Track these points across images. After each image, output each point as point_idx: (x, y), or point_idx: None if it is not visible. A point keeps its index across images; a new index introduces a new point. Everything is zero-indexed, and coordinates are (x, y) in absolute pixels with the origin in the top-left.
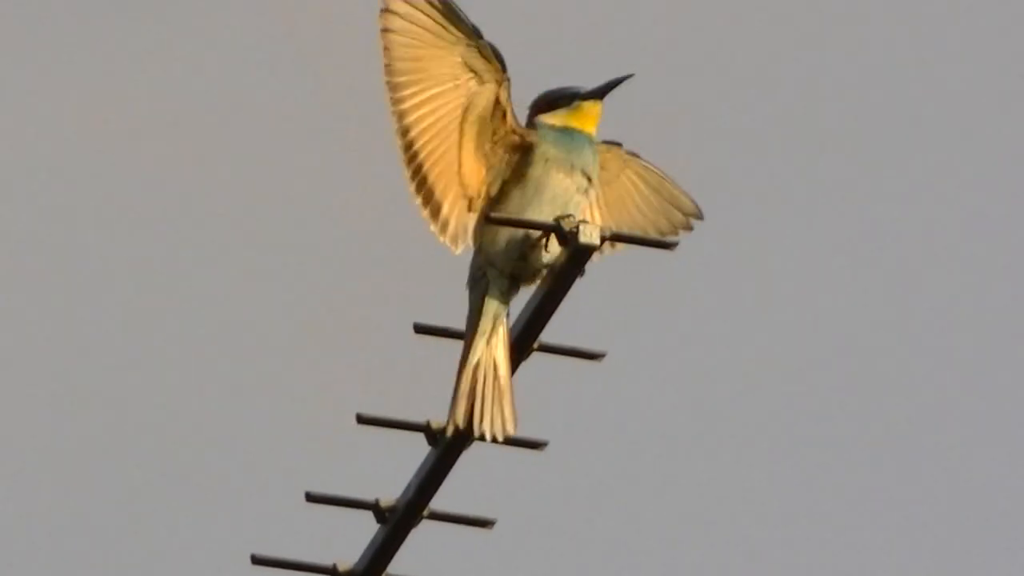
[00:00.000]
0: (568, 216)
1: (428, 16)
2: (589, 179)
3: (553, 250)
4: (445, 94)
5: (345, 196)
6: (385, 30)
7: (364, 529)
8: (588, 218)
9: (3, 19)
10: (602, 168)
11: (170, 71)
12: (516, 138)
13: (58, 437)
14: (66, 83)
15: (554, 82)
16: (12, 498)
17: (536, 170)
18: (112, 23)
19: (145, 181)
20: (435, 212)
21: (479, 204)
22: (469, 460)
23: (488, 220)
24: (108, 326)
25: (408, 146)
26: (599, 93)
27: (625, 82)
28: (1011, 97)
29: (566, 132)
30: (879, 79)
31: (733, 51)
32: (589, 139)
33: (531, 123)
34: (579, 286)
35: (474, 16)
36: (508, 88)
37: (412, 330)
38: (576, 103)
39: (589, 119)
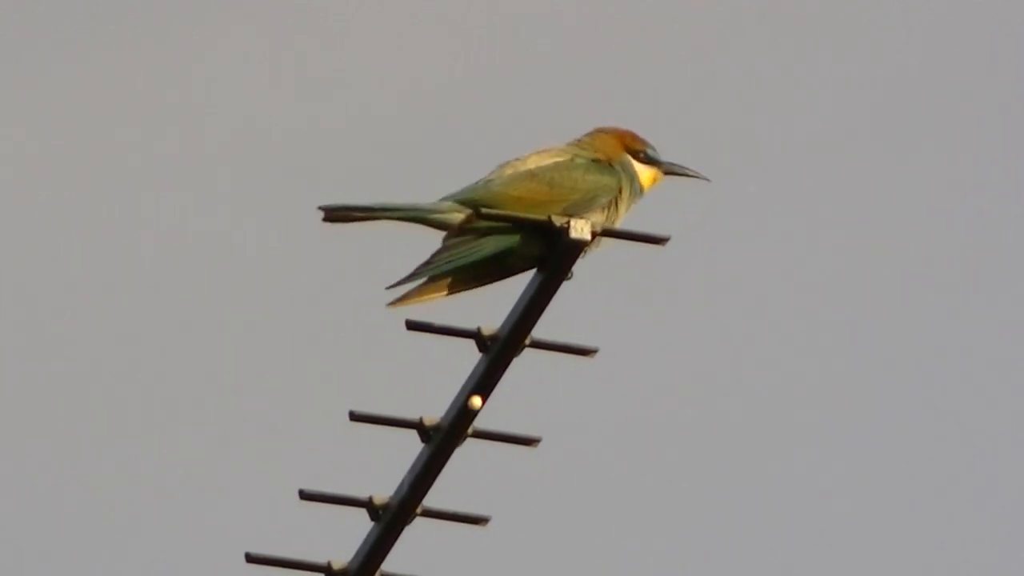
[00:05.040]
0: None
1: None
2: (612, 224)
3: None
4: None
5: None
6: None
7: (358, 527)
8: None
9: None
10: None
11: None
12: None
13: (53, 436)
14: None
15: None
16: (8, 497)
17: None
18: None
19: (144, 181)
20: None
21: None
22: (462, 457)
23: (479, 216)
24: (99, 324)
25: None
26: (672, 170)
27: (698, 180)
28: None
29: (637, 185)
30: (870, 89)
31: (726, 57)
32: (640, 197)
33: (619, 149)
34: (570, 282)
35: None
36: None
37: (404, 327)
38: (656, 169)
39: (651, 183)
